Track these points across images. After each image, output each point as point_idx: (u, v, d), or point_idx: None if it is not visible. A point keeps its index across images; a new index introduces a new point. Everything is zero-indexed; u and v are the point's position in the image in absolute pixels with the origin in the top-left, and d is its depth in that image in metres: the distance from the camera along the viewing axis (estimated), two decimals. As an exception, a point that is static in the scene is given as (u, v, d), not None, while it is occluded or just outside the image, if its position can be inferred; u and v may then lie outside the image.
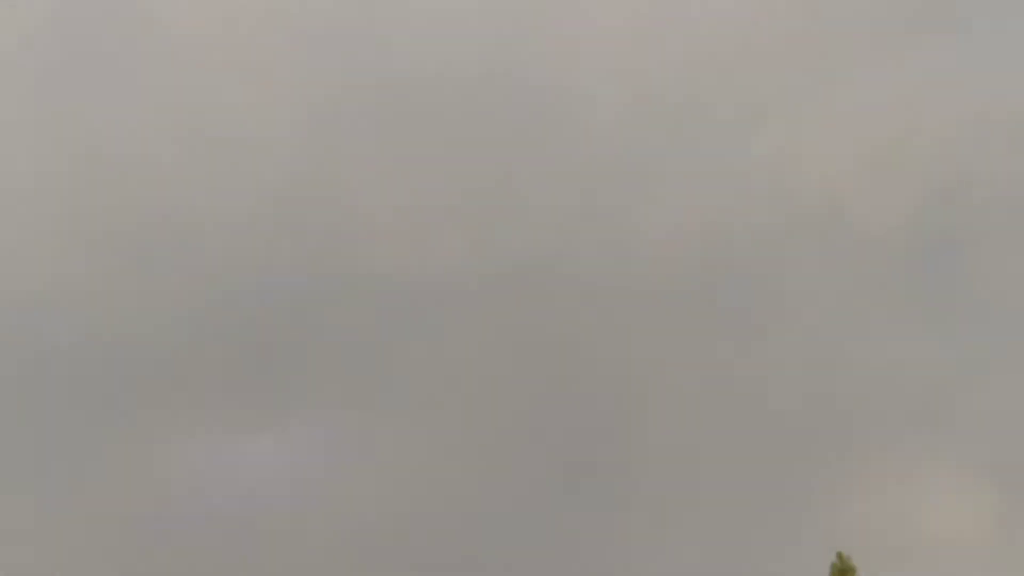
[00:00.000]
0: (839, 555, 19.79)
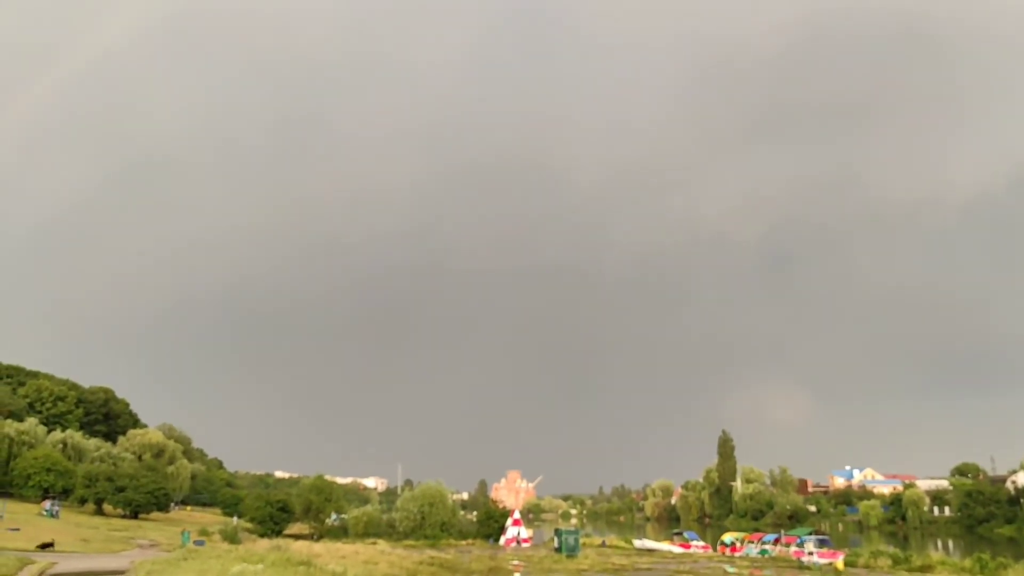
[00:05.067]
0: (723, 431, 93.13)
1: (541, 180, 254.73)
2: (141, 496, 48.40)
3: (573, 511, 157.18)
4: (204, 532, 36.70)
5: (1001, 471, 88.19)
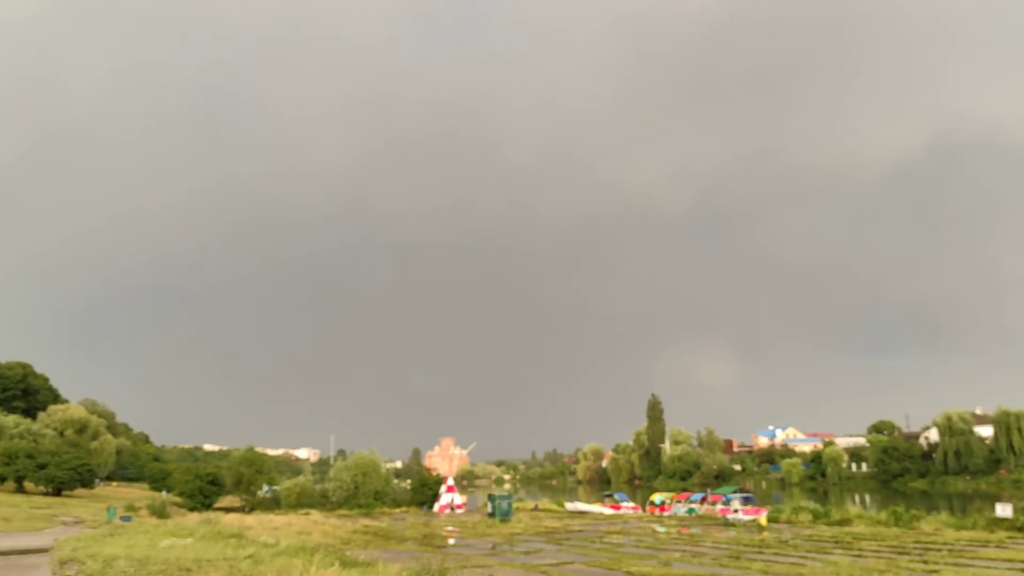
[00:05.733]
0: (653, 395, 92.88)
1: (473, 154, 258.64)
2: (64, 473, 46.98)
3: (506, 477, 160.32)
4: (131, 507, 35.80)
5: (915, 428, 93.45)
